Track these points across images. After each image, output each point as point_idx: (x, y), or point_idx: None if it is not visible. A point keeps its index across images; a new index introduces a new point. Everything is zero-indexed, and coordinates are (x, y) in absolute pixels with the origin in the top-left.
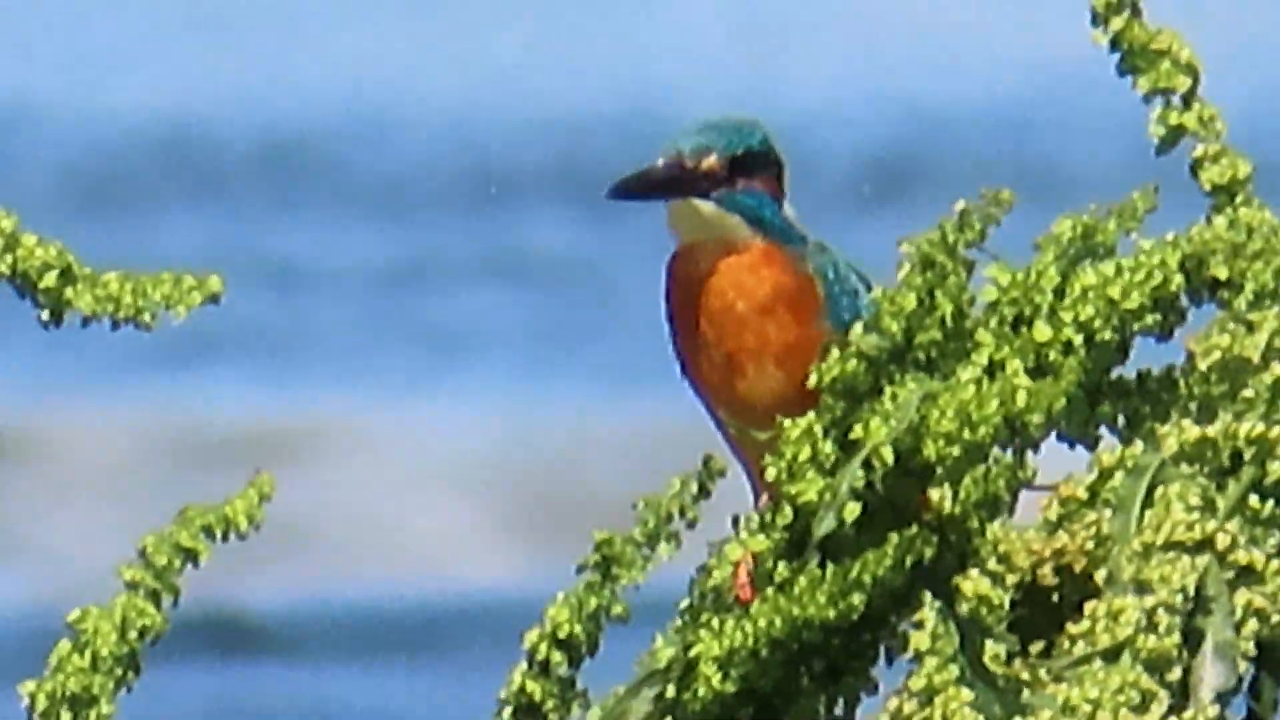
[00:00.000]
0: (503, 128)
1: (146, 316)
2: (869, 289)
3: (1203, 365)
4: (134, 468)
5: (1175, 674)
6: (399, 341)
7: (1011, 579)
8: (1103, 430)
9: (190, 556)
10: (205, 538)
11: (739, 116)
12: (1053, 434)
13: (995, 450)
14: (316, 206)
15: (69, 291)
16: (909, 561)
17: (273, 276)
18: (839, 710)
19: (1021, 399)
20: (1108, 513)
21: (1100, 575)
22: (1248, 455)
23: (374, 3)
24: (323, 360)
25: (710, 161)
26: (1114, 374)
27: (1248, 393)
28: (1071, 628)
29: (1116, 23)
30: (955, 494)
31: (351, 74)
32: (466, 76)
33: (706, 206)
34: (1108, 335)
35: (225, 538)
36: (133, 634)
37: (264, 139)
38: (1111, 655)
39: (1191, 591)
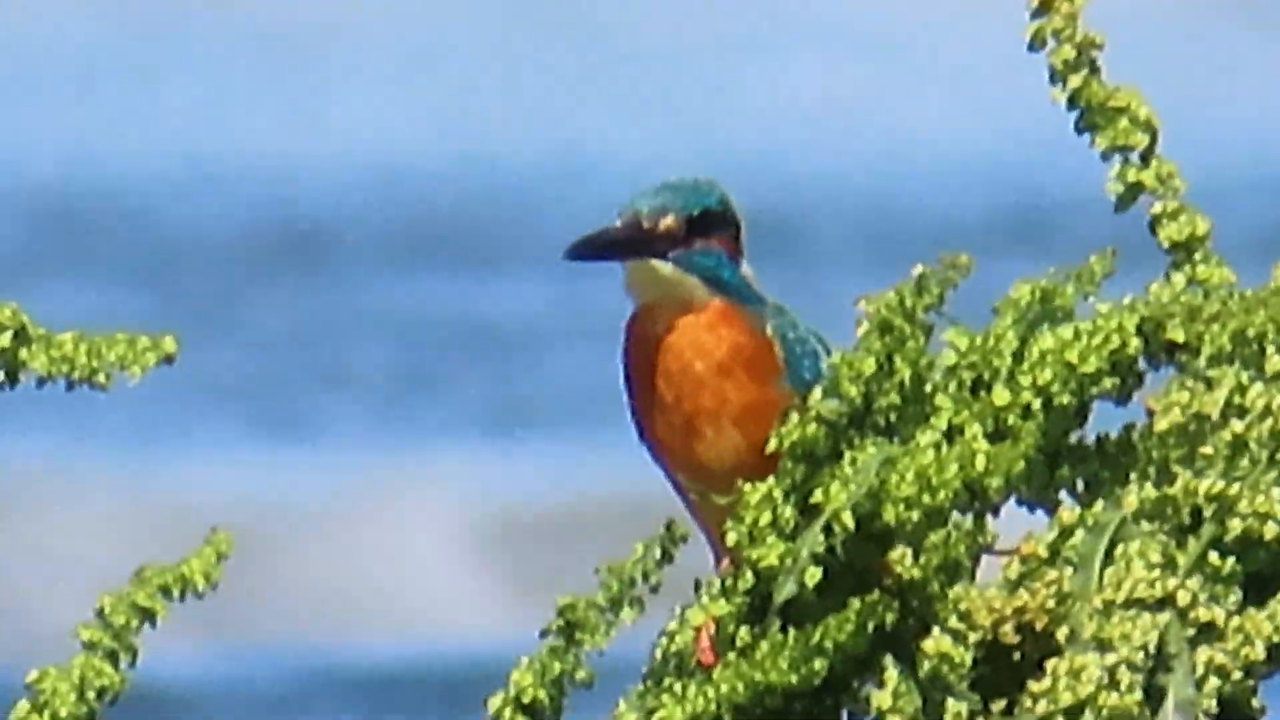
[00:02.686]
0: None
1: (102, 377)
2: (828, 352)
3: (1162, 425)
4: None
5: None
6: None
7: (973, 637)
8: (1062, 494)
9: (148, 616)
10: (162, 597)
11: (696, 177)
12: (1012, 498)
13: (955, 515)
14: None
15: (24, 352)
16: (871, 626)
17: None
18: None
19: (980, 463)
20: (1069, 570)
21: (1062, 633)
22: (1208, 512)
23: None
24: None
25: (668, 222)
26: (1073, 438)
27: (1207, 449)
28: (1033, 685)
29: (1075, 80)
30: (916, 558)
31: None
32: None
33: (664, 267)
34: (1066, 399)
35: (183, 597)
36: (91, 694)
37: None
38: (1074, 713)
39: (1153, 649)
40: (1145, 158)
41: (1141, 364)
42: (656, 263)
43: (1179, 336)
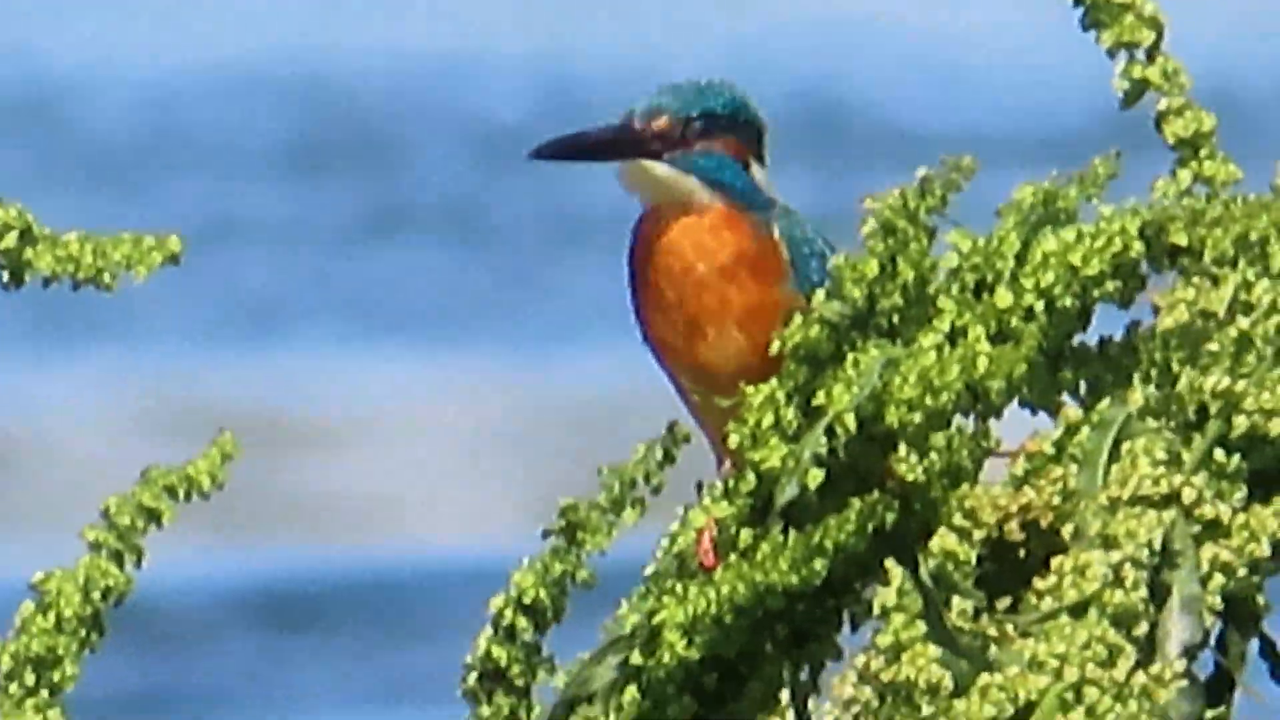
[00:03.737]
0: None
1: (106, 277)
2: (833, 253)
3: (1166, 324)
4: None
5: (1142, 629)
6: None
7: (978, 535)
8: (1064, 397)
9: (153, 517)
10: (168, 498)
11: (707, 79)
12: (1014, 401)
13: (958, 419)
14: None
15: (29, 252)
16: (871, 527)
17: None
18: (803, 677)
19: (983, 365)
20: (1074, 468)
21: (1067, 530)
22: (1213, 409)
23: None
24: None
25: (661, 123)
26: (1075, 341)
27: (1212, 346)
28: (1038, 583)
29: None
30: (918, 461)
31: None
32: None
33: (659, 167)
34: (1068, 302)
35: (188, 498)
36: (96, 595)
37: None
38: (1078, 610)
39: (1158, 546)
40: (1151, 55)
41: (1144, 267)
42: (649, 163)
43: (1181, 240)
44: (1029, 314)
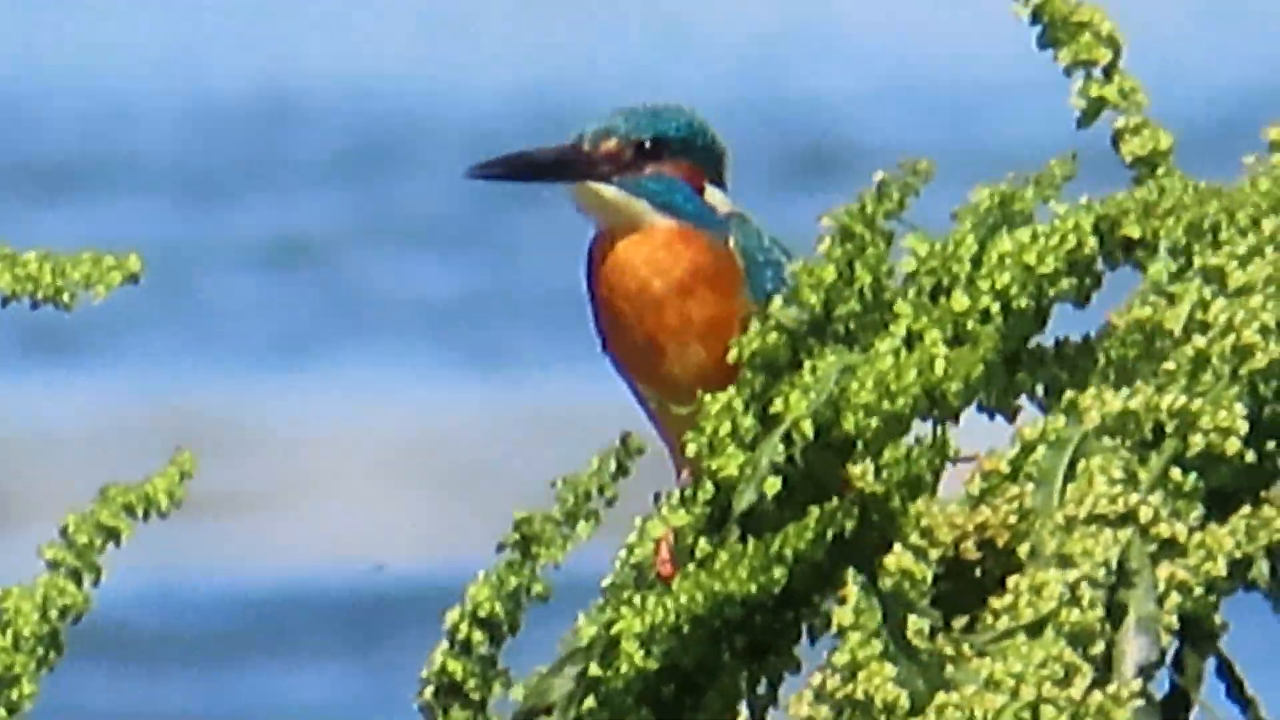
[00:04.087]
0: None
1: (66, 296)
2: (790, 260)
3: (1119, 323)
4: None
5: (1099, 648)
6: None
7: (934, 553)
8: (1023, 401)
9: (111, 535)
10: (127, 516)
11: (662, 104)
12: (973, 406)
13: (917, 428)
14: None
15: None
16: (830, 535)
17: None
18: (762, 689)
19: (940, 368)
20: (1030, 486)
21: (1023, 549)
22: (1170, 428)
23: None
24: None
25: (609, 145)
26: (1032, 343)
27: (1169, 365)
28: (995, 602)
29: None
30: (876, 468)
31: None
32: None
33: (607, 190)
34: (1024, 302)
35: (146, 516)
36: (54, 613)
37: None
38: (1035, 629)
39: (1114, 565)
40: (1108, 73)
41: (1100, 264)
42: (596, 185)
43: (1134, 232)
44: (985, 316)
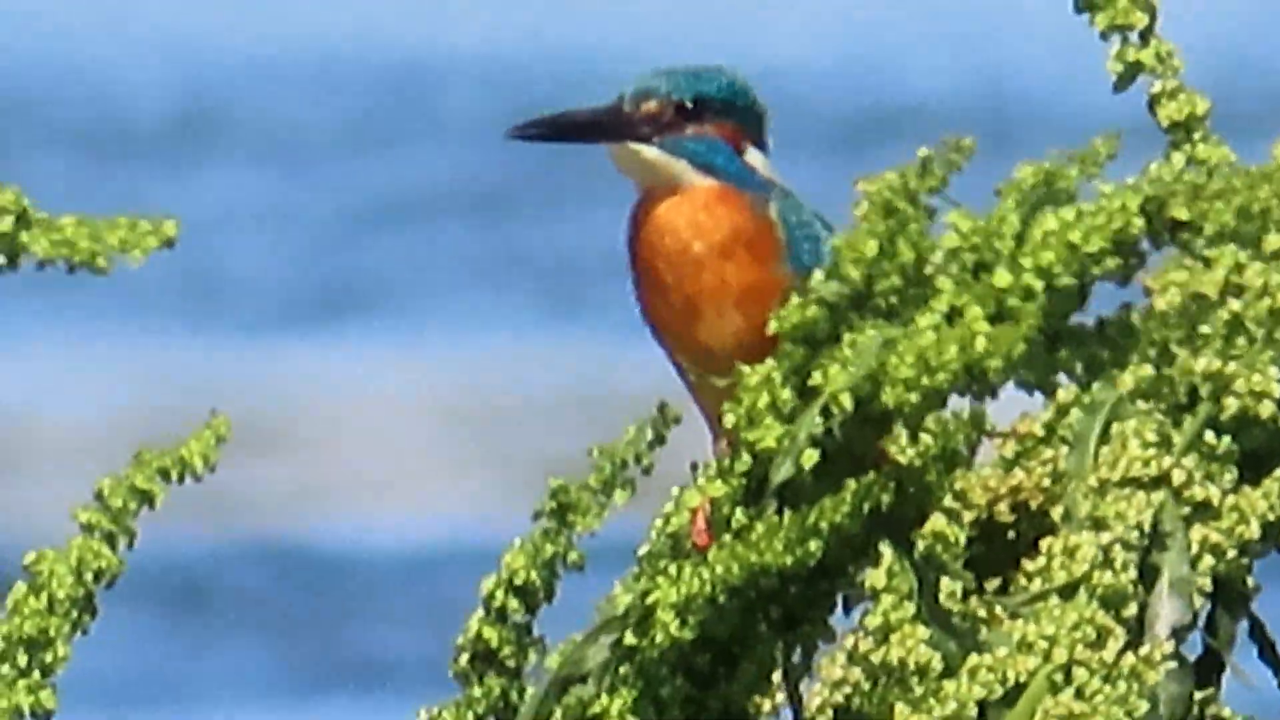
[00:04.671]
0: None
1: (102, 261)
2: (831, 234)
3: (1161, 304)
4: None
5: (1131, 610)
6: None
7: (968, 516)
8: (1061, 378)
9: (146, 499)
10: (161, 480)
11: (701, 64)
12: (1011, 382)
13: (954, 402)
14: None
15: (24, 236)
16: (866, 508)
17: None
18: (796, 659)
19: (981, 345)
20: (1064, 449)
21: (1056, 512)
22: (1204, 391)
23: None
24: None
25: (650, 106)
26: (1073, 320)
27: (1204, 329)
28: (1028, 564)
29: None
30: (914, 443)
31: None
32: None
33: (648, 150)
34: (1067, 280)
35: (181, 480)
36: (88, 576)
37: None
38: (1068, 592)
39: (1147, 527)
40: (1144, 37)
41: (1144, 244)
42: (637, 145)
43: (1182, 214)
44: (1028, 293)
